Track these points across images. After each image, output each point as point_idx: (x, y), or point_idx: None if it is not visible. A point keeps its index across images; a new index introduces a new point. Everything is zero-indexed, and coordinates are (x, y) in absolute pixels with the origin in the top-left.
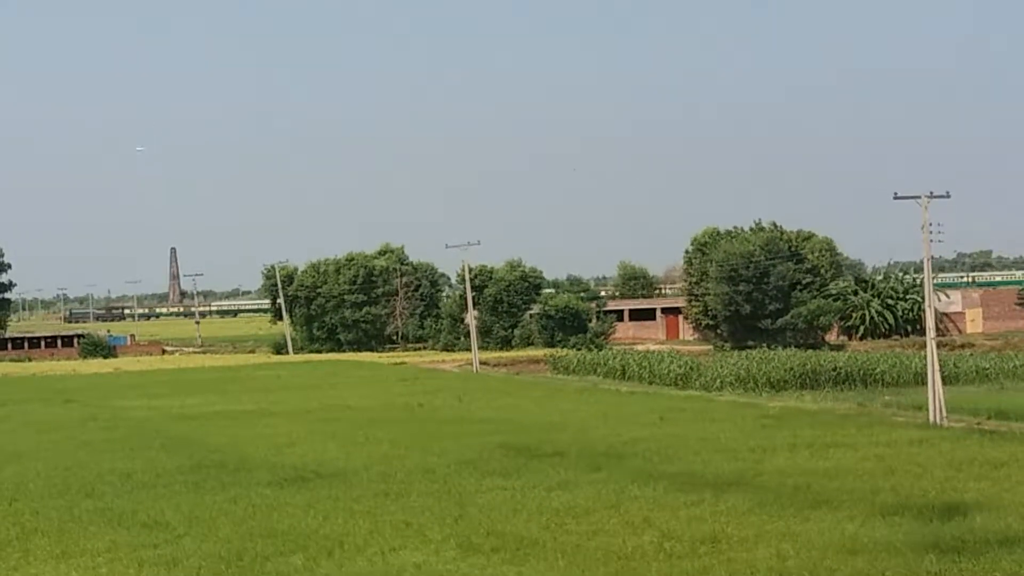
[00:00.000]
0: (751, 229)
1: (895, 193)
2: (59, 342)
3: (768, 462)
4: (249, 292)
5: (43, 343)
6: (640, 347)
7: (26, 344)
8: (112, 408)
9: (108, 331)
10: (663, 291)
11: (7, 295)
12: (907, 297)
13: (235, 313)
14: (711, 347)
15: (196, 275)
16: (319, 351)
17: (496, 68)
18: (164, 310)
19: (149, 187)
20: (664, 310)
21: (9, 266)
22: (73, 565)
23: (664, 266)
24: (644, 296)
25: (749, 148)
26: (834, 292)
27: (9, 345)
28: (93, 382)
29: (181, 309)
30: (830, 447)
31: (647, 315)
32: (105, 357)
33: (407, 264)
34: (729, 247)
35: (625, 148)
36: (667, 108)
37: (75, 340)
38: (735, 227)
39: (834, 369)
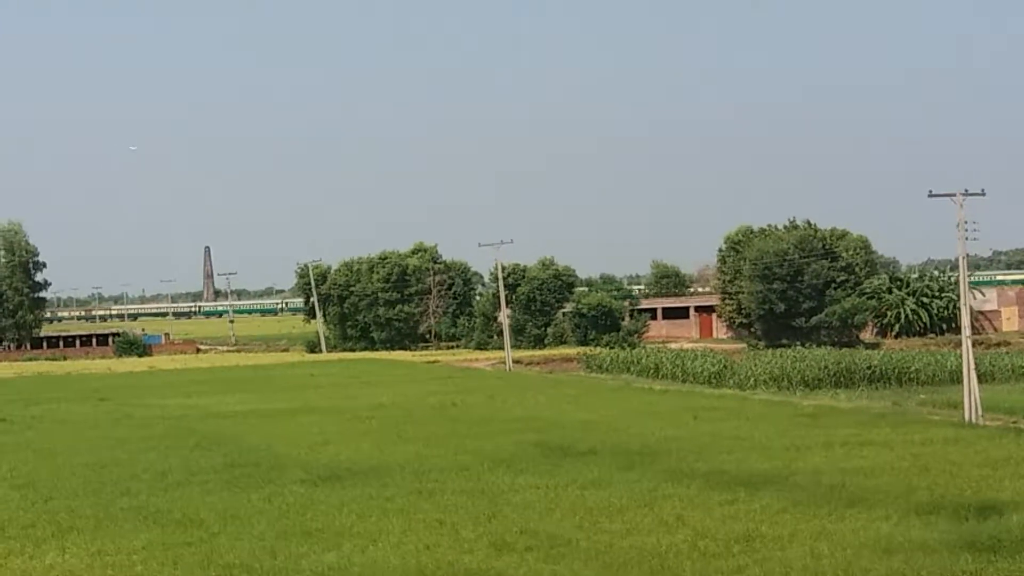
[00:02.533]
0: (785, 227)
1: (930, 191)
2: (94, 341)
3: (802, 461)
4: (283, 291)
5: (78, 342)
6: (673, 345)
7: (61, 343)
8: (147, 407)
9: (143, 330)
10: (696, 290)
11: (42, 294)
12: (942, 295)
13: (275, 311)
14: (745, 345)
15: (230, 274)
16: (352, 350)
17: (526, 66)
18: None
19: (183, 185)
20: (697, 308)
21: (44, 265)
22: (109, 563)
23: (697, 265)
24: (677, 295)
25: (783, 146)
26: (869, 290)
27: (44, 344)
28: (128, 381)
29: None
30: (865, 446)
31: (680, 313)
32: (140, 356)
33: (440, 263)
34: (763, 245)
35: (657, 147)
36: (700, 106)
37: (110, 339)
38: (769, 225)
39: (869, 368)
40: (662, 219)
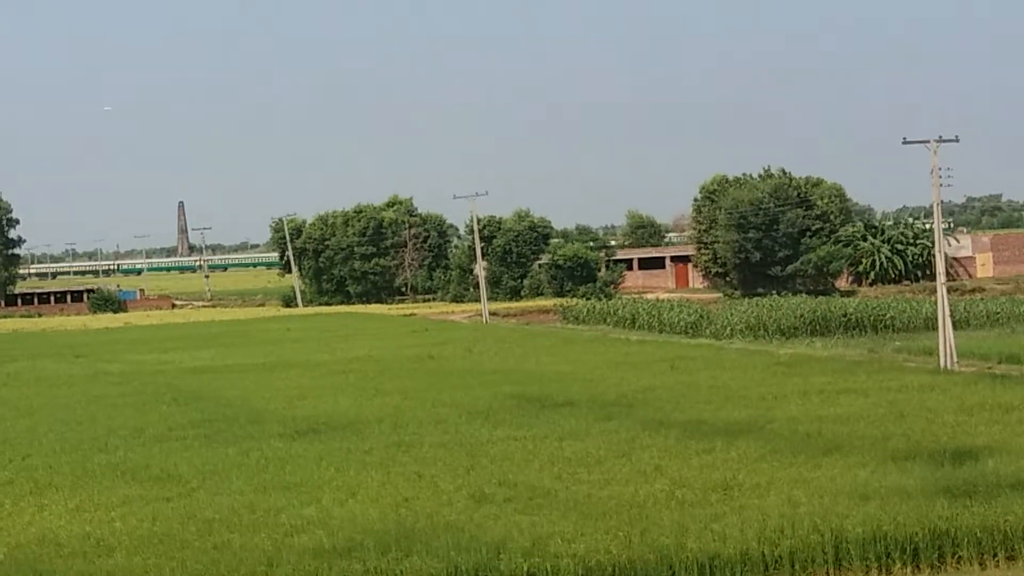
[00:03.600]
0: (760, 176)
1: (904, 138)
2: (68, 297)
3: (779, 409)
4: (257, 245)
5: (52, 298)
6: (649, 296)
7: (36, 300)
8: (123, 363)
9: (118, 286)
10: (671, 240)
11: (17, 251)
12: (917, 242)
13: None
14: (721, 295)
15: (204, 229)
16: (328, 304)
17: (502, 19)
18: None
19: (157, 141)
20: (673, 258)
21: (17, 222)
22: (87, 519)
23: (672, 215)
24: (653, 245)
25: (758, 95)
26: (844, 238)
27: (19, 301)
28: (103, 337)
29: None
30: (841, 393)
31: (656, 264)
32: (115, 312)
33: (416, 216)
34: (738, 194)
35: (633, 97)
36: (675, 56)
37: (84, 295)
38: (744, 174)
39: (844, 315)
40: (637, 169)
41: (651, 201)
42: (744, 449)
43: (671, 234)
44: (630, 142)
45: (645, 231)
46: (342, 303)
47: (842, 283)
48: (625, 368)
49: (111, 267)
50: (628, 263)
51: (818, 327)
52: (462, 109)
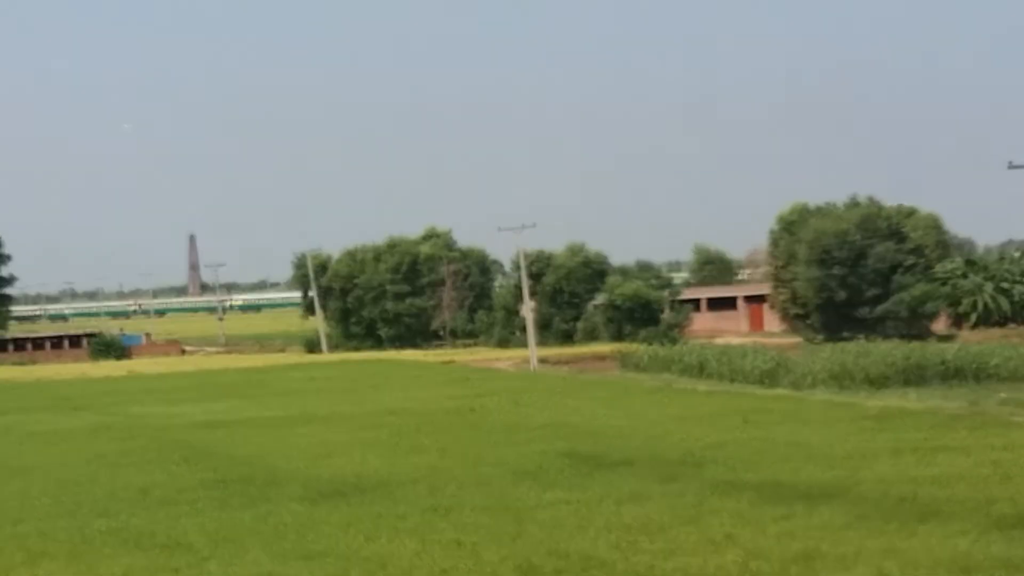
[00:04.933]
0: (845, 205)
1: (1010, 162)
2: (66, 342)
3: (867, 469)
4: (277, 284)
5: (48, 344)
6: (720, 340)
7: (30, 345)
8: (126, 416)
9: (121, 329)
10: (745, 277)
11: (8, 290)
12: None
13: (258, 308)
14: (801, 339)
15: (218, 265)
16: (357, 349)
17: (543, 22)
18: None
19: (164, 168)
20: (747, 298)
21: (9, 258)
22: None
23: (746, 248)
24: (723, 283)
25: (842, 114)
26: (941, 275)
27: (11, 346)
28: (105, 387)
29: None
30: (938, 452)
31: (727, 304)
32: (118, 358)
33: (455, 250)
34: (820, 225)
35: (700, 116)
36: (749, 69)
37: (84, 340)
38: (827, 203)
39: (942, 363)
40: (706, 197)
41: (721, 233)
42: (827, 515)
43: (744, 271)
44: (697, 166)
45: (714, 267)
46: (372, 348)
47: (939, 326)
48: (692, 422)
49: (133, 307)
50: (695, 303)
51: (912, 376)
52: (506, 132)
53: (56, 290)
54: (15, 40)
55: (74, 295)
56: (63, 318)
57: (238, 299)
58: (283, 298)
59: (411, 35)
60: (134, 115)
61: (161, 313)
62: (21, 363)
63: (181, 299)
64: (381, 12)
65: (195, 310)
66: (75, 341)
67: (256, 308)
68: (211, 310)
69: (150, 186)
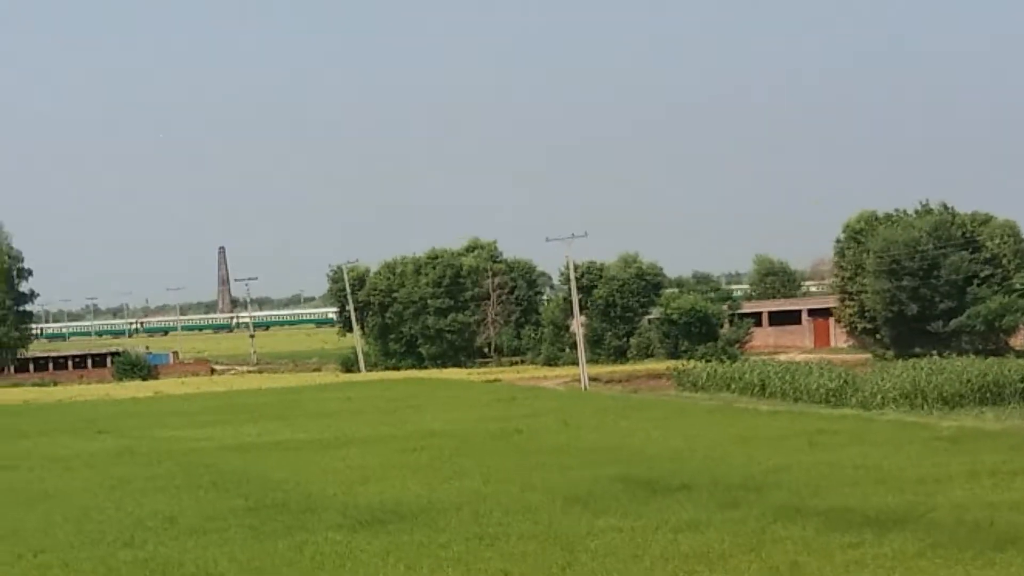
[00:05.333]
0: (916, 212)
1: None
2: (89, 362)
3: (941, 494)
4: (312, 299)
5: (71, 363)
6: (782, 357)
7: (51, 365)
8: (153, 439)
9: (147, 348)
10: (809, 289)
11: (28, 306)
12: None
13: (267, 327)
14: (869, 356)
15: (249, 279)
16: (396, 367)
17: (591, 23)
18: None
19: (191, 176)
20: (811, 312)
21: (30, 273)
22: None
23: (810, 259)
24: (786, 296)
25: (912, 114)
26: (1020, 287)
27: (31, 366)
28: (130, 408)
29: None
30: (1017, 475)
31: (790, 318)
32: (144, 379)
33: (500, 262)
34: (890, 234)
35: (758, 116)
36: (811, 65)
37: (108, 359)
38: (897, 210)
39: (1022, 380)
40: (767, 204)
41: (784, 243)
42: (899, 543)
43: (808, 283)
44: (758, 171)
45: (777, 279)
46: (413, 367)
47: (1018, 341)
48: (753, 444)
49: (133, 325)
50: (756, 318)
51: (989, 395)
52: (554, 137)
53: (79, 307)
54: (37, 51)
55: (97, 312)
56: (62, 337)
57: (244, 316)
58: (295, 314)
59: (449, 36)
60: (163, 123)
61: (165, 332)
62: (42, 383)
63: (187, 317)
64: (409, 13)
65: (201, 328)
66: (99, 360)
67: (264, 326)
68: (223, 327)
69: (178, 197)
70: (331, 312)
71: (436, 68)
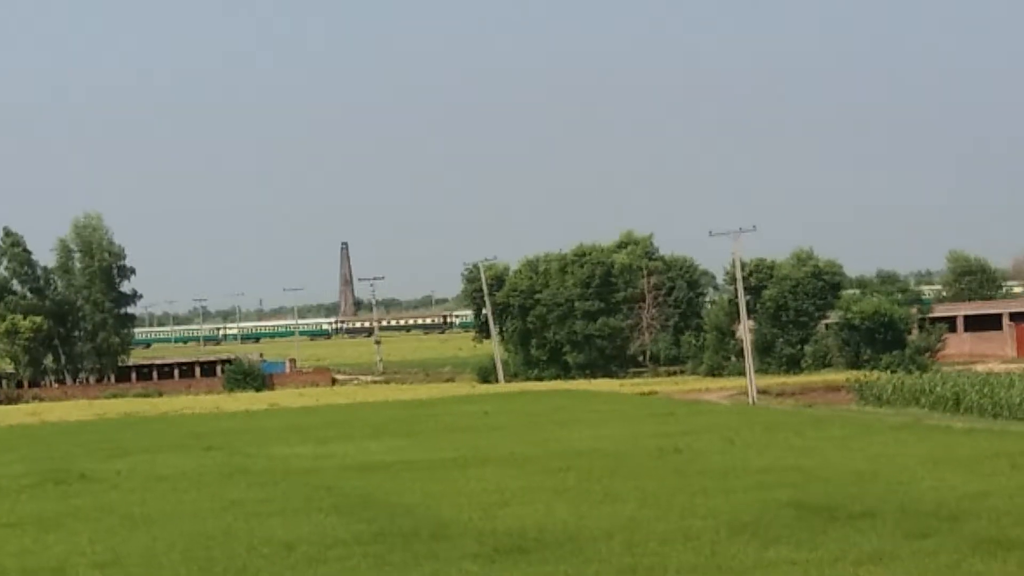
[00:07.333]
0: None
1: None
2: (197, 370)
3: None
4: (445, 300)
5: (177, 372)
6: (980, 367)
7: (155, 374)
8: (267, 457)
9: (261, 355)
10: (1011, 290)
11: (130, 308)
12: None
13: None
14: None
15: (375, 279)
16: (540, 378)
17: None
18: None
19: (312, 168)
20: (1013, 316)
21: (133, 271)
22: None
23: (1012, 256)
24: (985, 298)
25: None
26: None
27: (134, 375)
28: (242, 423)
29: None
30: None
31: (990, 323)
32: (257, 390)
33: (657, 259)
34: None
35: (946, 94)
36: (1003, 35)
37: (218, 367)
38: None
39: None
40: (961, 195)
41: (981, 238)
42: None
43: (1010, 283)
44: (949, 158)
45: (974, 279)
46: (557, 377)
47: None
48: (946, 466)
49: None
50: (950, 323)
51: None
52: (717, 119)
53: (186, 309)
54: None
55: (206, 315)
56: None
57: (232, 328)
58: (425, 314)
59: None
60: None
61: (256, 339)
62: (146, 394)
63: (272, 323)
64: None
65: (287, 335)
66: (208, 369)
67: (255, 338)
68: (317, 335)
69: (297, 189)
70: (325, 323)
71: (587, 51)
